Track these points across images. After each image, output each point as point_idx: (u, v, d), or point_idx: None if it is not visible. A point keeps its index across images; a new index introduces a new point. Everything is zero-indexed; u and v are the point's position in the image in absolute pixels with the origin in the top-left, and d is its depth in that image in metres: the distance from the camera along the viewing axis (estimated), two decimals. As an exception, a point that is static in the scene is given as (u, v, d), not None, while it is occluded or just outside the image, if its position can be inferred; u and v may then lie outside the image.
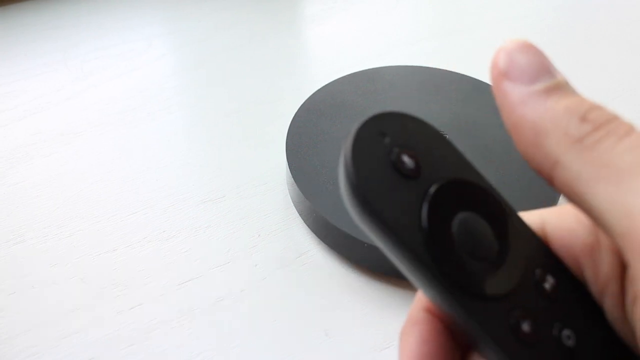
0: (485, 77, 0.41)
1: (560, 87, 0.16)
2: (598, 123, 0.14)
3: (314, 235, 0.33)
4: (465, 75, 0.41)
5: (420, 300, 0.17)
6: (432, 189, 0.15)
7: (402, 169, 0.14)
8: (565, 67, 0.52)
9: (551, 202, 0.32)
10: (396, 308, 0.30)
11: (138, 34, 0.53)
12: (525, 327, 0.14)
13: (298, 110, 0.37)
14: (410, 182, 0.14)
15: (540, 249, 0.16)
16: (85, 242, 0.33)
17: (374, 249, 0.30)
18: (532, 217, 0.17)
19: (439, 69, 0.42)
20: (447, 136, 0.16)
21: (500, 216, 0.16)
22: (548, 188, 0.32)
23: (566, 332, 0.15)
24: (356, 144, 0.14)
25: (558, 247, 0.16)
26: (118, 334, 0.29)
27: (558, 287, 0.15)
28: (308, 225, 0.33)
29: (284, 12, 0.57)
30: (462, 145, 0.35)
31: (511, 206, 0.16)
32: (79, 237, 0.33)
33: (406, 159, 0.15)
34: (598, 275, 0.15)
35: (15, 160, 0.39)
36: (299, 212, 0.34)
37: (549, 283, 0.15)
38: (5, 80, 0.46)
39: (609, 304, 0.15)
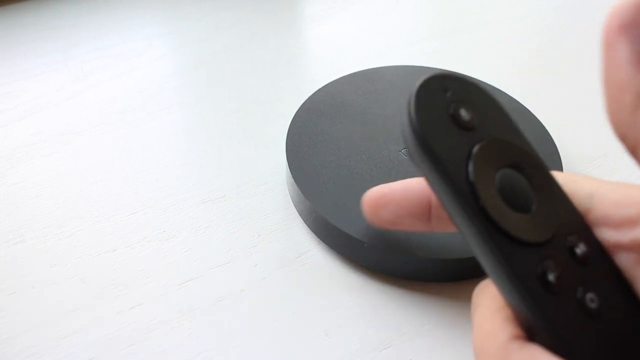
0: (485, 77, 0.41)
1: None
2: None
3: (314, 235, 0.33)
4: (465, 75, 0.41)
5: None
6: (484, 141, 0.16)
7: (458, 120, 0.16)
8: (565, 67, 0.53)
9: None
10: (396, 308, 0.30)
11: (138, 34, 0.53)
12: (551, 277, 0.15)
13: (298, 110, 0.37)
14: (464, 133, 0.16)
15: (576, 218, 0.17)
16: (85, 242, 0.33)
17: (374, 249, 0.30)
18: (584, 184, 0.17)
19: (439, 69, 0.42)
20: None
21: (539, 177, 0.17)
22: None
23: (590, 295, 0.15)
24: (421, 92, 0.16)
25: (601, 217, 0.17)
26: (118, 334, 0.29)
27: (588, 254, 0.16)
28: (308, 225, 0.33)
29: (284, 12, 0.57)
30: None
31: (552, 174, 0.17)
32: (79, 237, 0.33)
33: (463, 112, 0.16)
34: None
35: (15, 160, 0.39)
36: (299, 212, 0.34)
37: (580, 249, 0.16)
38: (5, 80, 0.46)
39: None
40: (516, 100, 0.39)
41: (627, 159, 0.41)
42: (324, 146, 0.35)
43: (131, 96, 0.45)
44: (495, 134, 0.17)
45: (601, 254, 0.16)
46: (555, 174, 0.17)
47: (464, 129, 0.16)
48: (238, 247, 0.33)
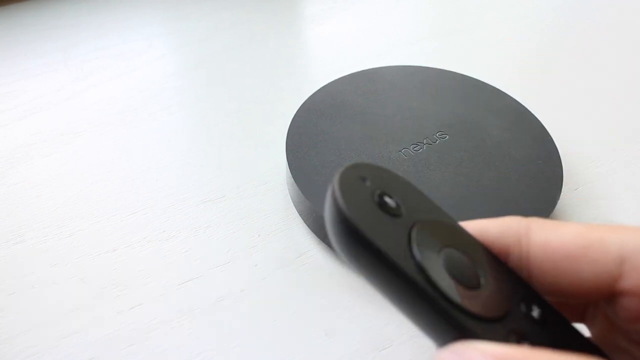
0: (485, 77, 0.41)
1: None
2: None
3: (314, 235, 0.33)
4: (465, 75, 0.41)
5: None
6: (418, 224, 0.16)
7: (385, 207, 0.15)
8: (565, 67, 0.53)
9: (550, 202, 0.32)
10: (396, 308, 0.30)
11: (138, 34, 0.53)
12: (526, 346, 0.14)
13: (298, 110, 0.37)
14: (395, 220, 0.15)
15: (518, 282, 0.16)
16: (85, 242, 0.33)
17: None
18: (609, 247, 0.16)
19: (439, 69, 0.42)
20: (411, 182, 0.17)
21: (477, 252, 0.16)
22: (547, 188, 0.32)
23: None
24: (342, 183, 0.15)
25: (633, 286, 0.15)
26: (118, 334, 0.29)
27: (545, 316, 0.16)
28: (308, 225, 0.33)
29: (284, 12, 0.57)
30: (462, 145, 0.35)
31: (481, 242, 0.17)
32: (79, 237, 0.33)
33: (388, 199, 0.16)
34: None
35: (15, 160, 0.39)
36: (299, 212, 0.34)
37: (536, 312, 0.15)
38: (5, 80, 0.46)
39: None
40: (516, 100, 0.39)
41: (626, 159, 0.41)
42: (324, 146, 0.35)
43: (131, 96, 0.45)
44: (424, 217, 0.16)
45: (550, 309, 0.16)
46: (569, 231, 0.16)
47: (393, 215, 0.15)
48: (238, 247, 0.33)
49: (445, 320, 0.14)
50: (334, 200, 0.14)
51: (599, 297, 0.16)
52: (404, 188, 0.17)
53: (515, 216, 0.17)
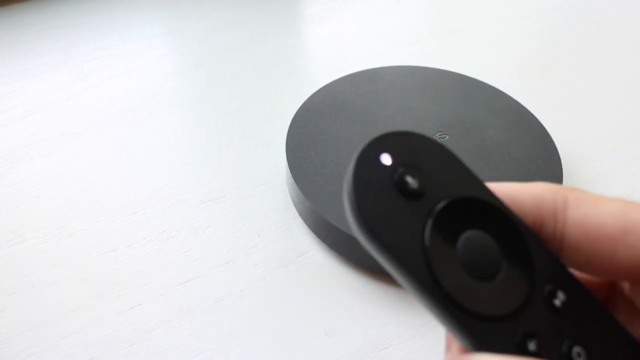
0: (485, 77, 0.41)
1: None
2: None
3: (314, 235, 0.33)
4: (465, 75, 0.41)
5: None
6: (436, 210, 0.15)
7: (405, 190, 0.14)
8: (565, 67, 0.53)
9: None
10: (396, 308, 0.30)
11: (138, 34, 0.53)
12: (532, 346, 0.14)
13: (298, 110, 0.37)
14: (415, 203, 0.14)
15: (550, 263, 0.15)
16: (85, 242, 0.33)
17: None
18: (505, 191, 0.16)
19: (439, 69, 0.42)
20: (454, 152, 0.16)
21: (506, 232, 0.15)
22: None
23: (577, 349, 0.14)
24: (358, 168, 0.14)
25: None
26: (118, 334, 0.29)
27: (568, 302, 0.15)
28: (308, 225, 0.33)
29: (284, 12, 0.57)
30: (462, 145, 0.35)
31: (520, 220, 0.15)
32: (79, 237, 0.33)
33: (410, 179, 0.14)
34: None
35: (15, 160, 0.39)
36: (299, 212, 0.34)
37: (559, 299, 0.15)
38: (5, 80, 0.46)
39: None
40: (516, 100, 0.39)
41: (626, 159, 0.41)
42: (324, 146, 0.35)
43: (131, 96, 0.45)
44: (452, 192, 0.15)
45: (580, 295, 0.15)
46: (608, 209, 0.15)
47: (412, 198, 0.14)
48: (238, 247, 0.33)
49: (449, 321, 0.14)
50: (346, 185, 0.14)
51: (631, 279, 0.15)
52: (437, 158, 0.15)
53: (550, 184, 0.16)
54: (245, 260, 0.32)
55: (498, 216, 0.15)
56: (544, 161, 0.34)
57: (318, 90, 0.39)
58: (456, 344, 0.15)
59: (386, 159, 0.14)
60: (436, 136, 0.35)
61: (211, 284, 0.31)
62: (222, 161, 0.39)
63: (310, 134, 0.36)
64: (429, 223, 0.14)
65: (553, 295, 0.15)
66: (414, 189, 0.14)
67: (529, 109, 0.38)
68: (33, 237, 0.33)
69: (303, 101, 0.38)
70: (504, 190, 0.16)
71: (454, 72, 0.42)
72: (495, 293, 0.14)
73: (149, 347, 0.28)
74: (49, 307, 0.30)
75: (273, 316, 0.29)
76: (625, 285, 0.16)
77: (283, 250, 0.33)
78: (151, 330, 0.29)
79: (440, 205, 0.15)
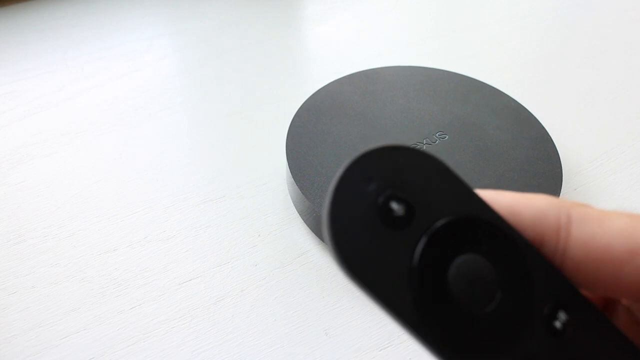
0: (485, 77, 0.41)
1: None
2: None
3: (314, 235, 0.33)
4: (465, 75, 0.41)
5: None
6: (424, 238, 0.13)
7: (390, 218, 0.13)
8: (565, 67, 0.52)
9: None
10: (396, 308, 0.30)
11: (139, 34, 0.53)
12: None
13: (298, 110, 0.37)
14: (401, 232, 0.13)
15: (552, 280, 0.14)
16: (86, 241, 0.33)
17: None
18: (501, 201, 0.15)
19: (439, 69, 0.42)
20: (448, 165, 0.14)
21: (503, 251, 0.14)
22: (547, 188, 0.32)
23: None
24: (336, 197, 0.12)
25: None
26: (118, 334, 0.29)
27: (571, 322, 0.14)
28: (308, 225, 0.33)
29: (284, 12, 0.57)
30: (462, 145, 0.35)
31: (519, 234, 0.14)
32: (79, 237, 0.33)
33: (394, 205, 0.13)
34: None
35: (16, 160, 0.39)
36: (299, 212, 0.34)
37: (560, 320, 0.14)
38: (5, 80, 0.46)
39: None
40: (516, 101, 0.39)
41: (626, 159, 0.41)
42: (324, 146, 0.35)
43: (132, 97, 0.45)
44: (443, 213, 0.14)
45: (584, 312, 0.14)
46: (615, 228, 0.14)
47: (399, 226, 0.13)
48: (238, 247, 0.33)
49: (438, 358, 0.13)
50: (324, 216, 0.13)
51: (636, 299, 0.15)
52: (426, 173, 0.14)
53: (552, 198, 0.15)
54: (245, 260, 0.32)
55: (493, 234, 0.14)
56: (543, 161, 0.34)
57: (318, 90, 0.39)
58: None
59: (367, 184, 0.13)
60: (436, 136, 0.35)
61: (211, 284, 0.31)
62: (222, 161, 0.39)
63: (310, 134, 0.36)
64: (417, 254, 0.13)
65: (553, 317, 0.14)
66: (399, 217, 0.13)
67: (529, 109, 0.38)
68: (33, 237, 0.33)
69: (303, 101, 0.38)
70: (502, 201, 0.15)
71: (454, 72, 0.42)
72: (491, 323, 0.13)
73: (149, 347, 0.28)
74: (49, 307, 0.30)
75: (273, 316, 0.29)
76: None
77: (283, 250, 0.33)
78: (151, 330, 0.29)
79: (430, 232, 0.13)
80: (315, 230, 0.33)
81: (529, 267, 0.14)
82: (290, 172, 0.33)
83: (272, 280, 0.31)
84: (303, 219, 0.34)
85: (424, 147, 0.34)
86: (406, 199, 0.13)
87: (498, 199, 0.15)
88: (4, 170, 0.38)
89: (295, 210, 0.34)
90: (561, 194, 0.32)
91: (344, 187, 0.13)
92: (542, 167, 0.33)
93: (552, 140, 0.35)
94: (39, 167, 0.38)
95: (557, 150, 0.35)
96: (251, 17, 0.55)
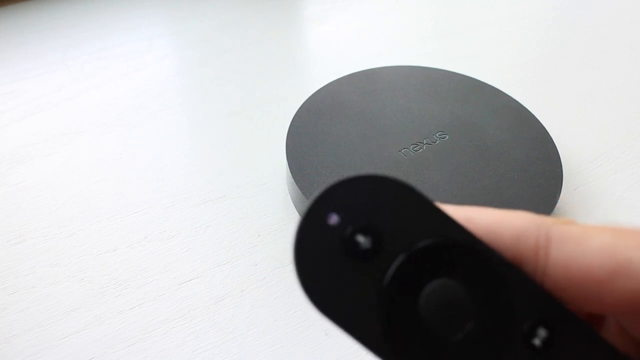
0: (485, 77, 0.41)
1: None
2: None
3: (314, 235, 0.33)
4: (465, 75, 0.41)
5: None
6: (391, 270, 0.13)
7: (356, 251, 0.13)
8: (565, 67, 0.52)
9: (550, 202, 0.32)
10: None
11: (140, 34, 0.53)
12: None
13: (298, 110, 0.37)
14: (369, 264, 0.13)
15: (532, 296, 0.14)
16: (86, 241, 0.33)
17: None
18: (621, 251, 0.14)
19: (439, 69, 0.42)
20: (417, 189, 0.14)
21: (477, 272, 0.14)
22: (547, 188, 0.32)
23: None
24: (301, 235, 0.13)
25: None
26: (118, 334, 0.29)
27: (551, 339, 0.14)
28: (308, 225, 0.33)
29: (284, 12, 0.57)
30: (462, 145, 0.35)
31: (493, 252, 0.14)
32: (79, 236, 0.33)
33: (360, 238, 0.13)
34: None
35: (16, 160, 0.39)
36: (299, 212, 0.34)
37: (539, 337, 0.14)
38: (5, 80, 0.46)
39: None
40: (516, 100, 0.39)
41: (626, 160, 0.41)
42: (324, 146, 0.35)
43: (132, 97, 0.45)
44: (413, 240, 0.13)
45: (567, 326, 0.14)
46: (595, 247, 0.14)
47: (366, 259, 0.13)
48: (238, 247, 0.33)
49: None
50: (293, 258, 0.13)
51: (619, 316, 0.15)
52: (394, 201, 0.13)
53: (532, 215, 0.14)
54: (245, 260, 0.32)
55: (466, 256, 0.14)
56: (544, 161, 0.34)
57: (318, 90, 0.39)
58: None
59: (332, 219, 0.13)
60: (436, 136, 0.35)
61: (211, 284, 0.31)
62: (222, 161, 0.39)
63: (310, 134, 0.36)
64: (385, 286, 0.13)
65: (533, 334, 0.14)
66: (365, 249, 0.13)
67: (529, 109, 0.38)
68: (33, 237, 0.33)
69: (303, 101, 0.38)
70: (480, 221, 0.14)
71: (454, 72, 0.42)
72: (466, 347, 0.13)
73: (149, 347, 0.28)
74: (49, 307, 0.30)
75: (273, 316, 0.29)
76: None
77: (283, 250, 0.33)
78: (151, 330, 0.29)
79: (396, 263, 0.13)
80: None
81: (507, 286, 0.14)
82: (290, 172, 0.33)
83: (272, 280, 0.31)
84: (303, 219, 0.34)
85: (424, 147, 0.35)
86: (373, 230, 0.13)
87: (475, 218, 0.14)
88: (4, 170, 0.38)
89: (295, 210, 0.34)
90: (561, 194, 0.32)
91: (309, 223, 0.13)
92: (542, 167, 0.33)
93: (552, 140, 0.35)
94: (39, 167, 0.38)
95: (557, 150, 0.35)
96: (251, 17, 0.55)
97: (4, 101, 0.44)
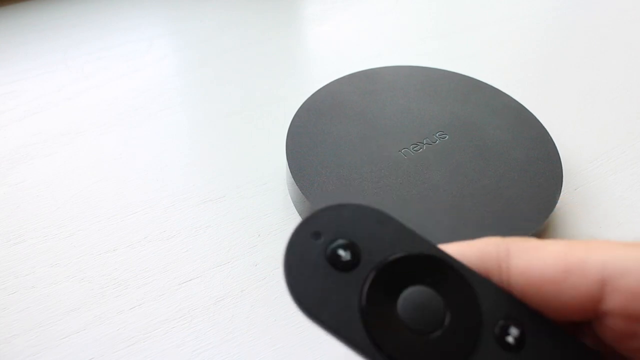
0: (485, 77, 0.41)
1: None
2: None
3: (314, 235, 0.33)
4: (465, 75, 0.41)
5: None
6: (370, 276, 0.15)
7: (338, 263, 0.15)
8: (565, 66, 0.52)
9: (550, 202, 0.32)
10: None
11: (140, 34, 0.53)
12: None
13: (298, 110, 0.37)
14: (350, 273, 0.15)
15: (499, 299, 0.16)
16: (86, 241, 0.33)
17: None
18: (589, 269, 0.15)
19: (439, 69, 0.42)
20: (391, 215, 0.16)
21: (448, 280, 0.15)
22: (547, 188, 0.32)
23: None
24: (290, 250, 0.15)
25: (615, 308, 0.15)
26: (118, 334, 0.29)
27: (523, 337, 0.15)
28: (308, 225, 0.33)
29: (284, 12, 0.57)
30: (462, 145, 0.35)
31: (459, 263, 0.16)
32: (79, 236, 0.33)
33: (342, 252, 0.15)
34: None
35: (16, 160, 0.39)
36: (299, 212, 0.34)
37: (512, 335, 0.15)
38: (5, 80, 0.46)
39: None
40: (516, 101, 0.39)
41: (626, 160, 0.41)
42: (324, 146, 0.35)
43: (132, 97, 0.45)
44: (388, 254, 0.15)
45: (537, 325, 0.15)
46: (550, 253, 0.15)
47: (347, 269, 0.15)
48: (238, 247, 0.33)
49: None
50: (283, 270, 0.15)
51: (583, 319, 0.15)
52: (371, 225, 0.16)
53: (493, 238, 0.16)
54: (245, 260, 0.32)
55: (437, 266, 0.16)
56: (543, 161, 0.34)
57: (318, 90, 0.39)
58: None
59: (317, 238, 0.15)
60: (436, 136, 0.35)
61: (211, 284, 0.31)
62: (222, 161, 0.39)
63: (310, 134, 0.36)
64: (365, 291, 0.15)
65: (505, 332, 0.15)
66: (346, 261, 0.15)
67: (529, 109, 0.38)
68: (33, 237, 0.33)
69: (303, 101, 0.38)
70: (450, 249, 0.16)
71: (454, 72, 0.42)
72: (442, 345, 0.14)
73: (149, 347, 0.28)
74: (49, 307, 0.30)
75: (273, 316, 0.29)
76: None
77: (283, 250, 0.33)
78: (151, 330, 0.29)
79: (374, 271, 0.15)
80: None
81: (473, 289, 0.15)
82: (290, 172, 0.33)
83: (272, 280, 0.31)
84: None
85: (424, 147, 0.35)
86: (352, 246, 0.15)
87: (447, 248, 0.16)
88: (4, 170, 0.38)
89: (295, 210, 0.34)
90: (561, 193, 0.32)
91: (297, 243, 0.15)
92: (542, 167, 0.33)
93: (552, 140, 0.35)
94: (39, 167, 0.38)
95: (557, 150, 0.35)
96: (251, 17, 0.55)
97: (4, 101, 0.44)
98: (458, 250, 0.16)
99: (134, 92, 0.45)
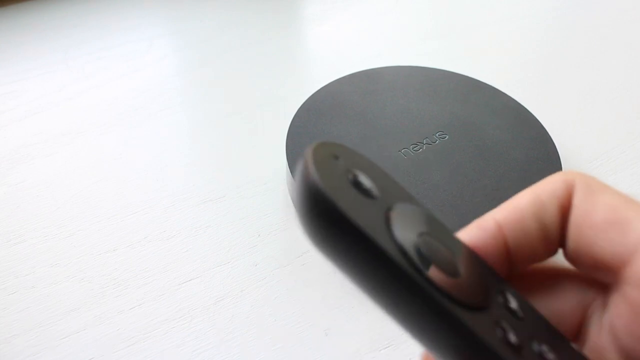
0: (485, 77, 0.41)
1: None
2: None
3: (313, 235, 0.33)
4: (465, 75, 0.41)
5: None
6: (395, 208, 0.14)
7: (361, 188, 0.14)
8: (565, 66, 0.52)
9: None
10: (396, 308, 0.30)
11: (140, 34, 0.53)
12: (512, 337, 0.14)
13: (298, 110, 0.37)
14: (371, 201, 0.14)
15: (493, 275, 0.16)
16: (86, 241, 0.33)
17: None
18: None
19: (439, 69, 0.42)
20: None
21: (452, 242, 0.15)
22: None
23: (544, 347, 0.14)
24: (316, 158, 0.13)
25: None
26: (118, 334, 0.29)
27: (521, 308, 0.15)
28: (308, 225, 0.33)
29: (284, 12, 0.57)
30: (462, 145, 0.35)
31: (459, 238, 0.16)
32: (79, 236, 0.33)
33: (363, 179, 0.14)
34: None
35: (16, 160, 0.39)
36: (299, 212, 0.34)
37: (513, 303, 0.15)
38: (6, 80, 0.46)
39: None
40: (516, 101, 0.39)
41: (626, 160, 0.41)
42: (324, 146, 0.35)
43: (132, 97, 0.45)
44: (400, 202, 0.15)
45: (525, 302, 0.16)
46: (606, 201, 0.15)
47: (368, 197, 0.14)
48: (238, 247, 0.33)
49: (434, 307, 0.13)
50: (307, 173, 0.13)
51: (605, 277, 0.15)
52: (377, 172, 0.16)
53: (566, 172, 0.16)
54: (245, 260, 0.32)
55: (441, 228, 0.16)
56: (543, 161, 0.34)
57: (318, 90, 0.39)
58: None
59: (337, 160, 0.14)
60: (436, 136, 0.35)
61: (211, 284, 0.31)
62: (222, 161, 0.39)
63: (310, 134, 0.36)
64: (393, 218, 0.14)
65: (507, 300, 0.15)
66: (369, 188, 0.14)
67: (529, 109, 0.38)
68: (33, 237, 0.33)
69: (303, 101, 0.38)
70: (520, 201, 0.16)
71: (454, 72, 0.42)
72: (465, 287, 0.14)
73: (149, 347, 0.28)
74: (49, 307, 0.30)
75: (273, 316, 0.29)
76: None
77: (283, 250, 0.33)
78: (151, 330, 0.29)
79: (396, 207, 0.14)
80: (315, 230, 0.33)
81: (473, 262, 0.15)
82: (290, 172, 0.33)
83: (272, 280, 0.31)
84: (303, 219, 0.34)
85: (424, 147, 0.35)
86: (369, 179, 0.15)
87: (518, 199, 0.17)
88: (4, 170, 0.38)
89: (295, 210, 0.34)
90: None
91: (320, 153, 0.13)
92: (542, 167, 0.33)
93: (552, 140, 0.35)
94: (39, 167, 0.38)
95: (557, 150, 0.35)
96: (251, 17, 0.55)
97: (4, 101, 0.44)
98: (535, 196, 0.16)
99: (134, 92, 0.45)
